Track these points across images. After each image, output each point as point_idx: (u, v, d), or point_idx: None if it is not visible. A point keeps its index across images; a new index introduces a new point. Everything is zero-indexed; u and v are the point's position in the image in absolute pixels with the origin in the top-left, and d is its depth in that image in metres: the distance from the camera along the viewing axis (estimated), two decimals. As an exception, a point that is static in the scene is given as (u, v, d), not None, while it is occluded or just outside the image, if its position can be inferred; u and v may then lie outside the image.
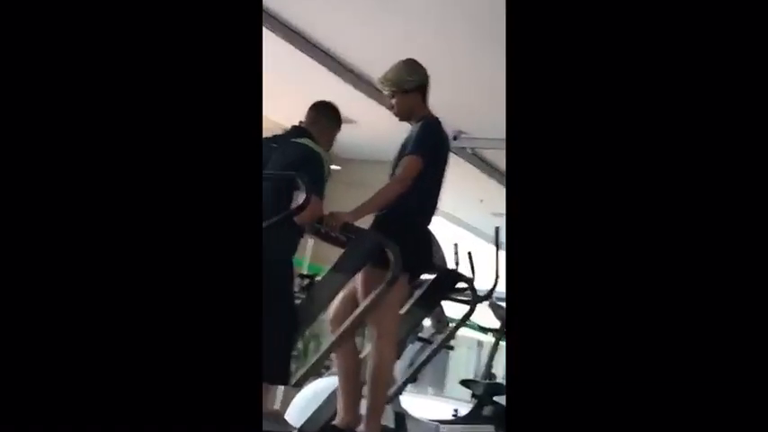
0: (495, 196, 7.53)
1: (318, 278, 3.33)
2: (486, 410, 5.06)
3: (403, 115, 3.44)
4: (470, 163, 7.03)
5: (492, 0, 3.47)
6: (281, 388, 4.98)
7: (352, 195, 3.39)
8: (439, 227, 3.59)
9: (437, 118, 3.42)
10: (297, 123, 3.42)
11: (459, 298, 4.11)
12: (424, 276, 3.68)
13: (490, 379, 5.44)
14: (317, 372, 3.88)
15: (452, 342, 4.70)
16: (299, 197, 2.93)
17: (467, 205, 8.44)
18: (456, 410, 5.62)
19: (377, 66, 3.58)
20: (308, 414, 3.64)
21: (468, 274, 4.07)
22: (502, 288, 4.35)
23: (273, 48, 5.35)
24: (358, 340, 3.64)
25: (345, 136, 3.62)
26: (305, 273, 3.69)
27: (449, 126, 3.64)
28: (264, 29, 5.10)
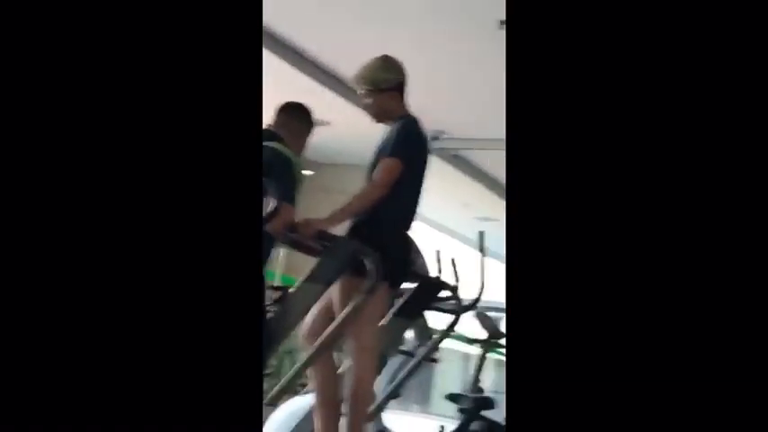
0: (480, 199, 7.48)
1: (291, 290, 3.21)
2: (474, 426, 4.96)
3: (379, 116, 3.33)
4: (452, 165, 6.93)
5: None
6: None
7: (326, 201, 3.30)
8: (420, 233, 3.51)
9: (415, 118, 3.30)
10: (265, 126, 3.26)
11: (442, 307, 4.00)
12: (406, 285, 3.57)
13: (478, 393, 5.31)
14: (292, 389, 3.76)
15: (437, 354, 4.56)
16: (269, 204, 2.82)
17: (449, 209, 8.37)
18: (442, 427, 5.53)
19: (351, 64, 3.46)
20: (285, 434, 3.52)
21: (452, 281, 3.94)
22: (488, 297, 4.24)
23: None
24: (335, 355, 3.50)
25: (319, 139, 3.48)
26: (277, 284, 3.54)
27: (428, 126, 3.54)
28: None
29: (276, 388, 3.35)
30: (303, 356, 3.28)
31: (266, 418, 4.36)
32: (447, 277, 3.99)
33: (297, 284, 3.17)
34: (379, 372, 3.79)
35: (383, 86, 3.25)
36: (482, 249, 4.36)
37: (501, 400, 4.58)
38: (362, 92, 3.31)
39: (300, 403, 3.91)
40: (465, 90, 5.65)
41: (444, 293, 3.86)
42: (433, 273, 3.90)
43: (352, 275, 3.07)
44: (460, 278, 4.11)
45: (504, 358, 5.85)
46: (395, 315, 3.64)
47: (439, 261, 4.16)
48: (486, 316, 5.11)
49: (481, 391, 5.44)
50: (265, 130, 3.24)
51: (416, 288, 3.69)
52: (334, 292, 3.16)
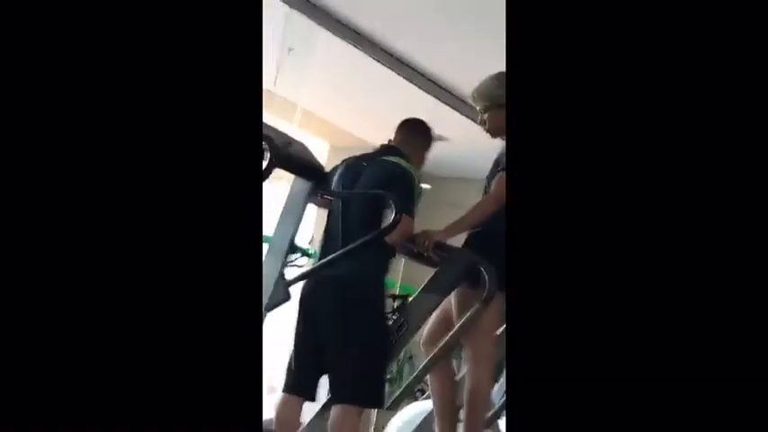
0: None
1: (411, 299, 3.28)
2: None
3: (495, 131, 3.35)
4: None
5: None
6: (375, 411, 4.93)
7: (444, 214, 3.33)
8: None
9: (531, 133, 3.31)
10: (386, 142, 3.38)
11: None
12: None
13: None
14: (411, 394, 3.82)
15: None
16: (390, 216, 2.89)
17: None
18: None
19: (470, 81, 3.51)
20: (405, 438, 3.59)
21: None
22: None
23: (363, 65, 5.34)
24: (454, 362, 3.56)
25: (437, 153, 3.56)
26: (397, 293, 3.63)
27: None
28: (353, 46, 5.10)
29: (396, 393, 3.43)
30: (422, 363, 3.33)
31: (387, 422, 4.48)
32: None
33: (416, 293, 3.23)
34: (496, 379, 3.81)
35: (500, 102, 3.25)
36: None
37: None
38: (480, 108, 3.35)
39: (420, 408, 3.92)
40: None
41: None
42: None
43: (469, 286, 3.10)
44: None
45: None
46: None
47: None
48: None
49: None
50: (387, 145, 3.34)
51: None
52: (451, 301, 3.21)
